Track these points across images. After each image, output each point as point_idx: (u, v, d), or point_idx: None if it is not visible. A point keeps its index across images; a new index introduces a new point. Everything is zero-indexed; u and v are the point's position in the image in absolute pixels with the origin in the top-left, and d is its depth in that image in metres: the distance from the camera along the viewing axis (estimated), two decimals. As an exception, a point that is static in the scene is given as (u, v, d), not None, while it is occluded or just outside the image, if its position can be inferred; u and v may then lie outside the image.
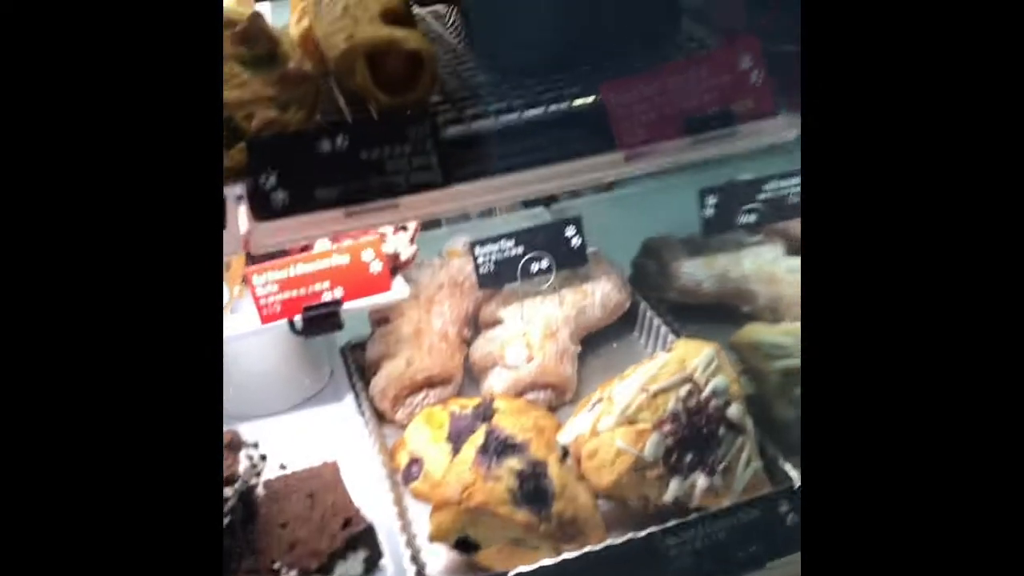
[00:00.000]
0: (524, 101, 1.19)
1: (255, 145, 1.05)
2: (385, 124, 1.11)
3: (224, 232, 1.06)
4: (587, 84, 1.21)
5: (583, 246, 1.75)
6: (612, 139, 1.15)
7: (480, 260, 1.69)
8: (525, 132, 1.17)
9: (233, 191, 1.10)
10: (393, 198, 1.08)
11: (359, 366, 1.87)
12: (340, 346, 1.95)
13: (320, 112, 1.22)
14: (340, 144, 1.07)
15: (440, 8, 1.61)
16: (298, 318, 1.60)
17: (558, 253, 1.72)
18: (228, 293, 1.66)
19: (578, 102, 1.18)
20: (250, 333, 1.64)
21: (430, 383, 1.73)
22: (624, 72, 1.21)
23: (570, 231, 1.76)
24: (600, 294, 1.87)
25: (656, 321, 1.86)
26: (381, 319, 1.87)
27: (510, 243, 1.71)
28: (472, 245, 1.68)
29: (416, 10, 1.38)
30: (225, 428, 1.72)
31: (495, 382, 1.73)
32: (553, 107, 1.18)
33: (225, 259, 1.40)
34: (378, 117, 1.20)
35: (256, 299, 1.55)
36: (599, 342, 1.91)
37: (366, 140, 1.07)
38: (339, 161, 1.07)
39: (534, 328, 1.78)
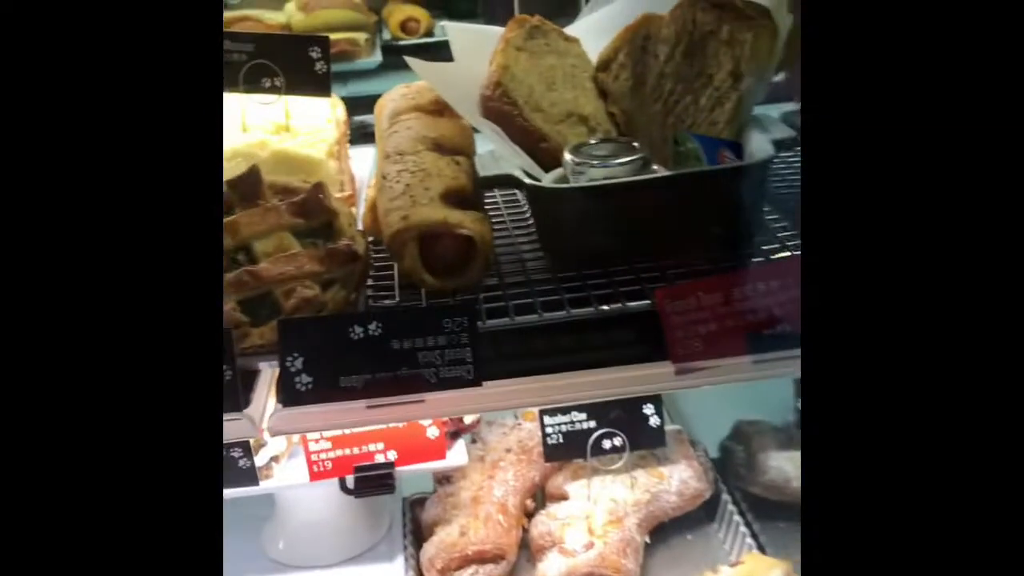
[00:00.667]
0: (575, 295, 1.13)
1: (286, 326, 1.03)
2: (421, 313, 1.07)
3: (247, 409, 1.04)
4: (647, 282, 1.13)
5: (662, 426, 1.64)
6: (664, 348, 1.06)
7: (549, 431, 1.60)
8: (571, 329, 1.10)
9: (265, 366, 1.08)
10: (419, 393, 1.03)
11: (417, 524, 1.80)
12: (404, 496, 1.89)
13: (372, 285, 1.20)
14: (373, 331, 1.03)
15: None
16: (350, 477, 1.56)
17: (633, 431, 1.62)
18: (286, 440, 1.65)
19: (632, 304, 1.10)
20: (305, 484, 1.61)
21: (481, 558, 1.64)
22: (690, 274, 1.13)
23: (648, 409, 1.66)
24: (677, 480, 1.75)
25: (737, 517, 1.71)
26: (443, 478, 1.80)
27: (582, 415, 1.62)
28: (541, 414, 1.61)
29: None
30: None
31: (549, 567, 1.61)
32: (605, 307, 1.11)
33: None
34: (426, 299, 1.17)
35: (307, 455, 1.52)
36: (672, 530, 1.77)
37: (400, 329, 1.03)
38: (369, 348, 1.03)
39: (599, 510, 1.67)
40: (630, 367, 1.07)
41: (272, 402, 1.07)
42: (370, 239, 1.24)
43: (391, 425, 1.53)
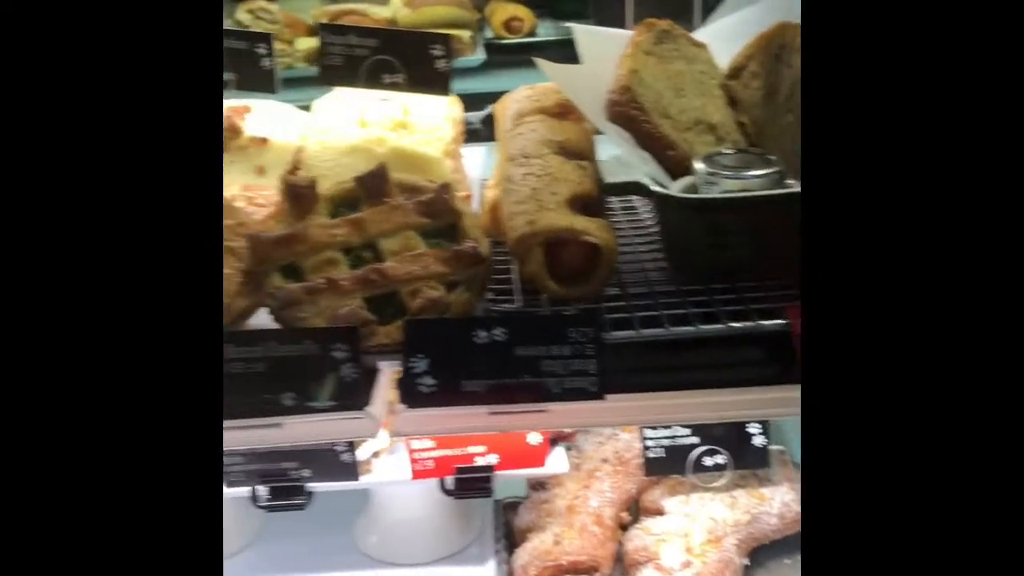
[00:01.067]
0: (705, 311, 1.09)
1: (411, 326, 1.02)
2: (546, 321, 1.05)
3: (367, 408, 1.03)
4: (776, 300, 1.09)
5: (767, 446, 1.59)
6: (796, 371, 1.02)
7: (650, 444, 1.57)
8: (699, 345, 1.07)
9: (385, 366, 1.08)
10: (542, 403, 1.01)
11: (509, 529, 1.78)
12: (496, 499, 1.88)
13: (491, 289, 1.19)
14: (497, 336, 1.01)
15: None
16: (450, 478, 1.56)
17: (737, 450, 1.57)
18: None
19: (765, 323, 1.06)
20: (403, 481, 1.61)
21: (575, 569, 1.61)
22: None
23: (754, 428, 1.61)
24: (779, 502, 1.69)
25: (840, 544, 1.64)
26: (537, 484, 1.78)
27: (686, 431, 1.59)
28: (642, 427, 1.57)
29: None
30: (366, 573, 1.69)
31: (645, 583, 1.58)
32: (735, 324, 1.07)
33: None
34: (548, 307, 1.15)
35: (410, 453, 1.52)
36: (770, 554, 1.71)
37: (525, 335, 1.02)
38: (493, 353, 1.01)
39: (697, 528, 1.62)
40: (760, 390, 1.03)
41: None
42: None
43: (494, 428, 1.51)
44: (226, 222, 1.16)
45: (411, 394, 1.02)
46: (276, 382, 1.01)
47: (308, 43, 3.15)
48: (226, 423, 1.00)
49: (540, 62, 1.22)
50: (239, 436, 1.01)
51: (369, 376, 1.08)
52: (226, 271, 1.10)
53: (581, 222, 1.11)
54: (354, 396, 1.01)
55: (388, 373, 1.10)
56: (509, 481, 1.69)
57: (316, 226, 1.12)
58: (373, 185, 1.17)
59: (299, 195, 1.15)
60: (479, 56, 3.19)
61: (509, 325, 1.02)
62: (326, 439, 1.37)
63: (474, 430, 1.03)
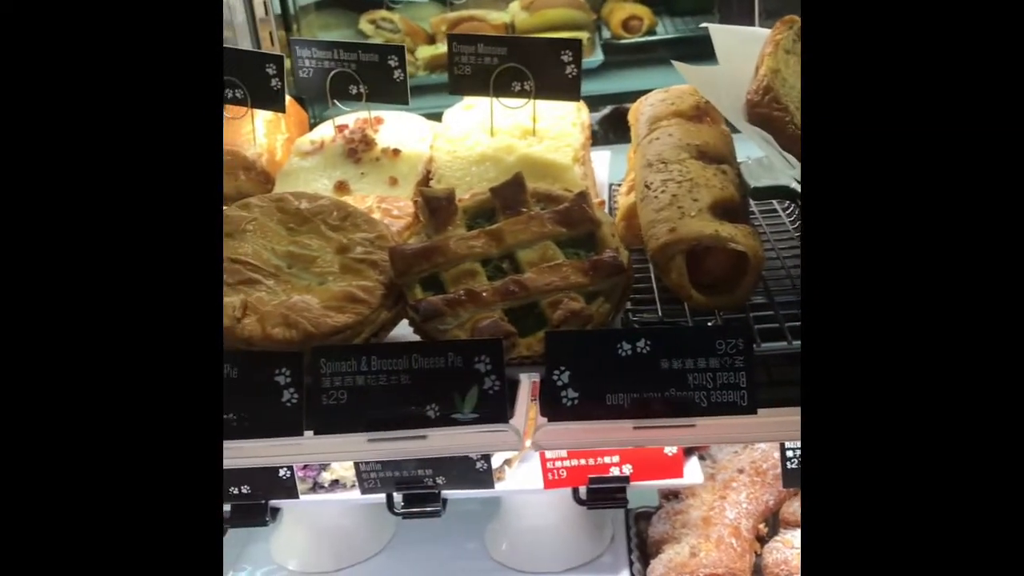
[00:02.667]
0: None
1: (554, 339, 1.00)
2: (693, 333, 1.02)
3: (512, 420, 1.02)
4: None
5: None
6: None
7: (790, 455, 1.52)
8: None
9: (525, 378, 1.07)
10: (688, 417, 0.98)
11: (642, 539, 1.75)
12: (628, 509, 1.85)
13: (631, 299, 1.16)
14: (641, 348, 0.99)
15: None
16: (583, 488, 1.54)
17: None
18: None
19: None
20: (536, 490, 1.60)
21: (713, 582, 1.57)
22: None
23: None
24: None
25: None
26: (670, 494, 1.74)
27: (828, 442, 1.52)
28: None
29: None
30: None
31: (787, 599, 1.52)
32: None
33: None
34: (690, 316, 1.12)
35: (543, 462, 1.51)
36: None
37: (671, 348, 0.99)
38: (638, 366, 0.99)
39: (843, 544, 1.55)
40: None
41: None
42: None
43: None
44: (366, 235, 1.17)
45: (553, 407, 1.00)
46: (420, 394, 1.01)
47: (428, 51, 3.19)
48: (371, 435, 1.02)
49: (679, 66, 1.19)
50: (386, 447, 1.02)
51: (511, 388, 1.07)
52: (368, 283, 1.11)
53: (727, 229, 1.07)
54: (497, 408, 1.01)
55: (528, 385, 1.09)
56: (640, 490, 1.66)
57: (455, 238, 1.12)
58: (509, 195, 1.17)
59: (437, 207, 1.16)
60: (597, 57, 3.15)
61: (654, 337, 0.99)
62: (470, 451, 1.38)
63: (618, 444, 1.01)
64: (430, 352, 1.02)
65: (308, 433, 1.03)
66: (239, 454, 1.04)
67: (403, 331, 1.14)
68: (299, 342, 1.05)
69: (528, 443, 1.02)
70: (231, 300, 1.07)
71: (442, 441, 1.02)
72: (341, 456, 1.27)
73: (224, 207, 1.20)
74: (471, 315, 1.07)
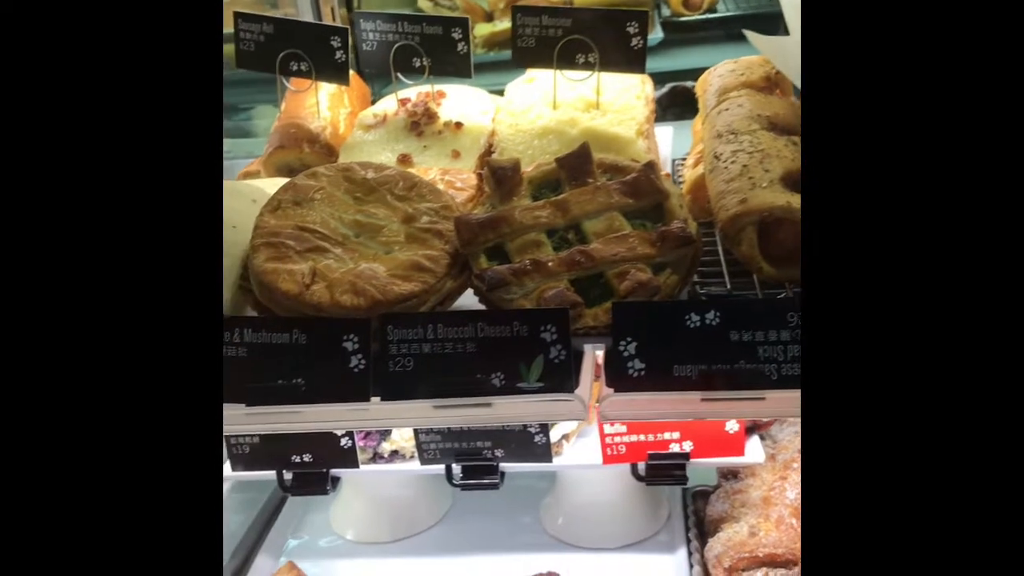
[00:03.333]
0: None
1: (621, 309, 1.00)
2: (763, 305, 1.00)
3: (577, 390, 1.02)
4: None
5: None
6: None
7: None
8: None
9: (589, 349, 1.06)
10: (758, 390, 0.96)
11: (699, 518, 1.74)
12: (685, 487, 1.84)
13: (698, 271, 1.15)
14: (711, 320, 0.98)
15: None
16: (642, 464, 1.53)
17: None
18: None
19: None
20: (594, 465, 1.60)
21: (772, 562, 1.55)
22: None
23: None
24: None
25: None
26: (729, 472, 1.73)
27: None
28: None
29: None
30: (552, 555, 1.70)
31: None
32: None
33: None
34: (760, 289, 1.10)
35: (602, 437, 1.51)
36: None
37: (741, 320, 0.97)
38: (706, 338, 0.98)
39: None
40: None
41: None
42: (694, 222, 1.18)
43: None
44: (432, 205, 1.17)
45: (619, 378, 1.00)
46: (485, 363, 1.01)
47: (486, 29, 3.18)
48: (437, 402, 1.03)
49: (750, 35, 1.17)
50: (451, 415, 1.02)
51: (575, 359, 1.07)
52: (434, 253, 1.11)
53: (799, 200, 1.05)
54: (562, 378, 1.00)
55: (591, 357, 1.09)
56: (698, 469, 1.65)
57: (521, 208, 1.12)
58: (576, 166, 1.16)
59: (503, 178, 1.15)
60: (657, 35, 3.12)
61: (724, 309, 0.98)
62: (535, 420, 1.38)
63: (684, 416, 1.00)
64: (496, 321, 1.01)
65: (374, 400, 1.03)
66: (306, 418, 1.05)
67: (466, 301, 1.14)
68: (366, 309, 1.05)
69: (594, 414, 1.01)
70: (300, 267, 1.08)
71: (507, 409, 1.02)
72: (407, 422, 1.28)
73: (293, 176, 1.22)
74: (537, 285, 1.06)
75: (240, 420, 1.05)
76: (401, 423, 1.37)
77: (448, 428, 1.48)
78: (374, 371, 1.03)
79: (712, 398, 0.97)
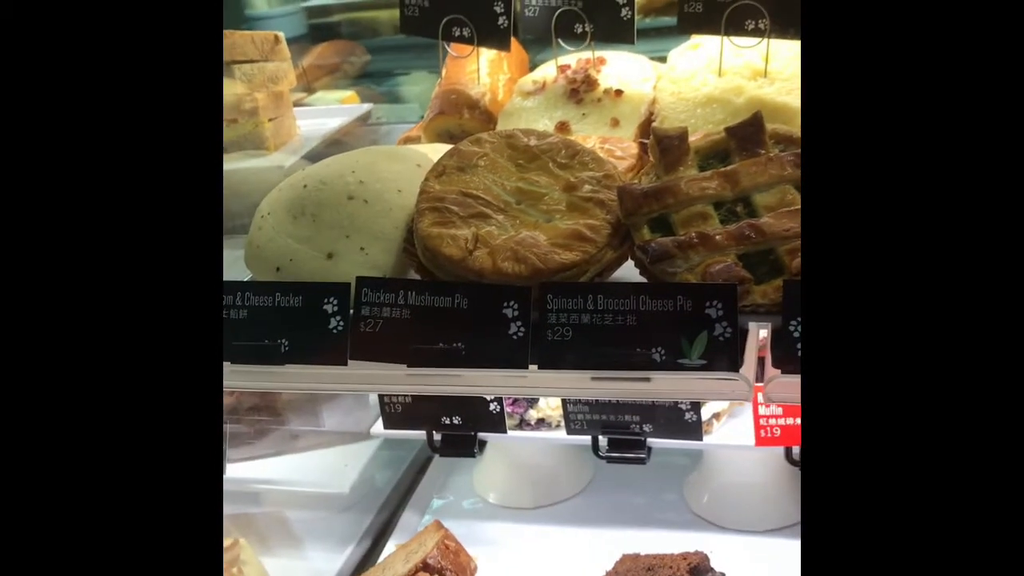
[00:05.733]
0: None
1: (794, 288, 0.95)
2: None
3: (742, 369, 0.99)
4: None
5: None
6: None
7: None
8: None
9: (754, 327, 1.03)
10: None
11: (852, 507, 1.67)
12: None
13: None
14: (890, 302, 0.92)
15: None
16: (796, 448, 1.48)
17: None
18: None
19: None
20: (746, 446, 1.56)
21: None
22: None
23: None
24: None
25: None
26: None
27: None
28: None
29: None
30: (695, 533, 1.67)
31: None
32: None
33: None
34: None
35: (756, 419, 1.46)
36: None
37: (923, 303, 0.91)
38: (884, 321, 0.92)
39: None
40: None
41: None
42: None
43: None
44: (594, 174, 1.16)
45: (788, 359, 0.96)
46: (646, 336, 0.99)
47: (642, -5, 3.11)
48: (595, 373, 1.01)
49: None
50: (609, 387, 1.01)
51: (740, 337, 1.03)
52: (595, 222, 1.10)
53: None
54: (727, 356, 0.97)
55: (756, 336, 1.05)
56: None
57: (687, 179, 1.09)
58: (747, 136, 1.11)
59: (669, 147, 1.12)
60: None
61: (905, 291, 0.92)
62: (696, 398, 1.36)
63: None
64: (659, 294, 0.99)
65: (532, 367, 1.03)
66: (465, 382, 1.06)
67: (624, 272, 1.12)
68: (527, 277, 1.05)
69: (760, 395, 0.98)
70: (463, 232, 1.09)
71: (667, 385, 1.00)
72: (563, 392, 1.27)
73: (452, 142, 1.22)
74: (702, 259, 1.03)
75: (400, 380, 1.08)
76: (557, 392, 1.37)
77: (597, 400, 1.47)
78: (533, 339, 1.03)
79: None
